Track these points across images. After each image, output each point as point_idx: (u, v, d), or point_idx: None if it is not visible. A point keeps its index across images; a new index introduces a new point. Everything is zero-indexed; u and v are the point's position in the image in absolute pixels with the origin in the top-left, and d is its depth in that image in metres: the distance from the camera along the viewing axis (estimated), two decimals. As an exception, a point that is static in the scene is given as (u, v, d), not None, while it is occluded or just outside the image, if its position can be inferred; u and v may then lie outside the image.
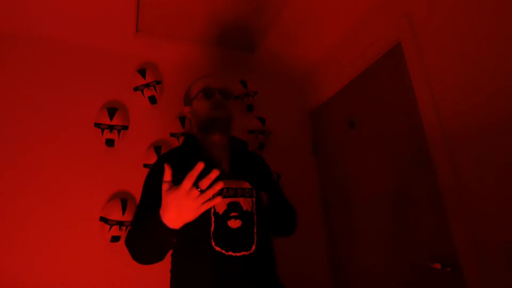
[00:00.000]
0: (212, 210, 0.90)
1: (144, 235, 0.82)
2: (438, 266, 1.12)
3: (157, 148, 1.60)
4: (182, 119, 1.70)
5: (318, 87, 2.03)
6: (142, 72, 1.70)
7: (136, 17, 1.57)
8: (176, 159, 0.98)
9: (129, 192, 1.55)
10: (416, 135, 1.29)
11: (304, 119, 2.14)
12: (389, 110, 1.45)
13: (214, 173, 0.68)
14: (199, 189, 0.68)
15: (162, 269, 1.51)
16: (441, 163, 1.15)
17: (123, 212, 1.42)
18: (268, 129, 1.92)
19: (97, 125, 1.55)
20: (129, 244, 0.88)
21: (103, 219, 1.42)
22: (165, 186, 0.72)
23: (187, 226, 0.79)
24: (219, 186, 0.69)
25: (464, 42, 1.10)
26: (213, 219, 0.89)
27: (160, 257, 0.88)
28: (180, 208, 0.70)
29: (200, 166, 0.67)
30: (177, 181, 0.79)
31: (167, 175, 0.72)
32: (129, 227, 0.95)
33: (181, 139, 1.68)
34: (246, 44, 1.88)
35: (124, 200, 1.46)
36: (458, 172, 1.10)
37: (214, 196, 0.70)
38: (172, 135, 1.70)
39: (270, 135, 1.92)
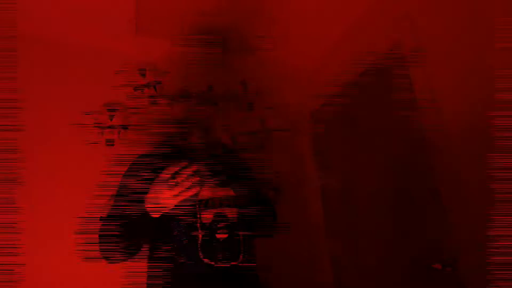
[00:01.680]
0: (199, 222, 0.91)
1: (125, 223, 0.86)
2: (438, 266, 1.12)
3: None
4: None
5: (318, 87, 2.03)
6: (142, 72, 1.70)
7: (136, 17, 1.57)
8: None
9: (129, 192, 1.55)
10: (416, 135, 1.29)
11: (304, 119, 2.14)
12: (389, 110, 1.44)
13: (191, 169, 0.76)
14: (175, 181, 0.76)
15: (162, 269, 1.51)
16: (441, 163, 1.15)
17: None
18: (268, 129, 1.91)
19: (97, 125, 1.55)
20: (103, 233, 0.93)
21: (103, 219, 1.42)
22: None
23: (175, 236, 0.89)
24: (195, 183, 0.77)
25: (464, 42, 1.10)
26: (199, 230, 0.90)
27: (130, 252, 0.93)
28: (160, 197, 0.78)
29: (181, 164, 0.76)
30: None
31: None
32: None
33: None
34: (246, 44, 1.88)
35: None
36: (458, 172, 1.09)
37: (189, 187, 0.77)
38: (172, 135, 1.70)
39: (270, 135, 1.91)
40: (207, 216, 0.91)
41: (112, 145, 1.57)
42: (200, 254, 0.88)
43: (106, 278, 1.41)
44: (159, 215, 0.82)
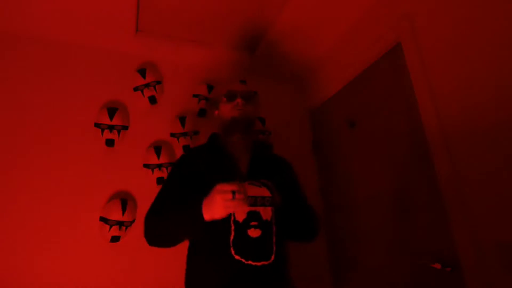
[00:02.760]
0: (232, 218, 0.92)
1: (173, 215, 0.91)
2: (438, 266, 1.12)
3: (157, 148, 1.60)
4: (182, 119, 1.70)
5: (318, 87, 2.03)
6: (142, 72, 1.70)
7: (136, 17, 1.57)
8: (200, 155, 1.11)
9: (129, 192, 1.55)
10: (416, 135, 1.29)
11: (304, 119, 2.14)
12: (389, 110, 1.45)
13: (242, 186, 0.81)
14: (233, 195, 0.80)
15: (162, 269, 1.51)
16: (441, 163, 1.15)
17: (123, 212, 1.42)
18: (268, 129, 1.92)
19: (97, 125, 1.56)
20: (151, 221, 0.97)
21: (103, 219, 1.42)
22: (227, 197, 0.82)
23: (209, 232, 0.91)
24: (246, 207, 0.84)
25: (464, 42, 1.10)
26: (233, 227, 0.91)
27: (174, 243, 0.98)
28: (213, 198, 0.82)
29: (241, 187, 0.81)
30: (198, 175, 1.01)
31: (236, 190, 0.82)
32: (150, 209, 1.02)
33: (181, 139, 1.68)
34: (246, 44, 1.88)
35: (124, 200, 1.47)
36: (458, 172, 1.09)
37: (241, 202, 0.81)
38: (172, 135, 1.70)
39: (270, 135, 1.92)
40: (240, 213, 0.92)
41: (112, 145, 1.57)
42: (232, 250, 0.88)
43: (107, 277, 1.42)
44: (208, 219, 0.85)
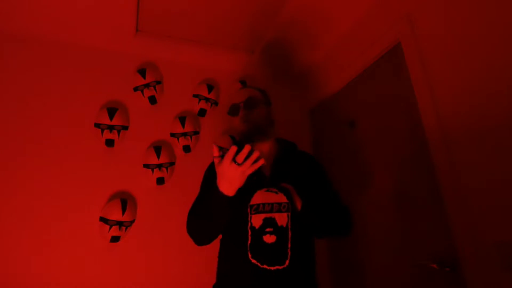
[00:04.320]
0: (249, 224, 0.96)
1: (204, 206, 0.94)
2: (437, 266, 1.12)
3: (157, 148, 1.60)
4: (182, 119, 1.70)
5: (318, 87, 2.03)
6: (142, 72, 1.70)
7: (136, 17, 1.57)
8: None
9: (129, 192, 1.55)
10: (416, 135, 1.29)
11: (304, 119, 2.14)
12: (389, 110, 1.45)
13: (246, 148, 0.80)
14: (237, 163, 0.81)
15: (162, 269, 1.51)
16: (441, 163, 1.15)
17: (123, 212, 1.42)
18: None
19: (97, 125, 1.56)
20: (191, 220, 0.99)
21: (103, 219, 1.42)
22: (215, 161, 0.85)
23: (230, 233, 0.99)
24: (256, 155, 0.82)
25: (464, 42, 1.10)
26: (249, 233, 0.95)
27: (216, 231, 0.99)
28: (228, 177, 0.83)
29: (246, 148, 0.80)
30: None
31: (215, 151, 0.84)
32: (189, 211, 1.04)
33: (181, 139, 1.68)
34: (246, 44, 1.88)
35: (124, 200, 1.47)
36: (458, 172, 1.09)
37: (255, 161, 0.82)
38: (172, 135, 1.70)
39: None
40: (257, 220, 0.96)
41: (112, 145, 1.57)
42: (249, 254, 0.93)
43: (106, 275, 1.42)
44: (233, 193, 0.87)
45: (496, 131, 0.98)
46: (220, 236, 1.06)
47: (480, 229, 1.01)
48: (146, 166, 1.59)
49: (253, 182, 0.98)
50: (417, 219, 1.27)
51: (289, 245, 0.95)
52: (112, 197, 1.51)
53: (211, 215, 0.93)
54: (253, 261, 0.92)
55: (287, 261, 0.92)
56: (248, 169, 0.82)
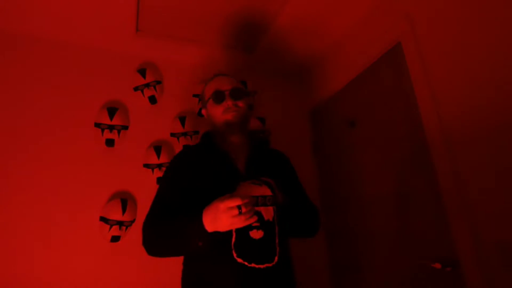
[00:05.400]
0: None
1: (175, 230, 0.85)
2: (438, 266, 1.12)
3: (157, 148, 1.60)
4: (182, 119, 1.70)
5: (318, 87, 2.03)
6: (142, 72, 1.70)
7: (136, 17, 1.57)
8: (194, 157, 1.05)
9: (129, 192, 1.55)
10: (416, 135, 1.29)
11: (304, 119, 2.14)
12: (389, 110, 1.45)
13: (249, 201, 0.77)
14: (239, 211, 0.76)
15: (162, 269, 1.51)
16: (441, 163, 1.15)
17: (123, 212, 1.42)
18: (268, 129, 1.92)
19: (97, 125, 1.56)
20: (151, 236, 0.91)
21: (103, 219, 1.42)
22: (226, 197, 0.78)
23: (209, 235, 0.84)
24: (254, 219, 0.78)
25: (464, 42, 1.10)
26: (234, 230, 0.87)
27: (176, 253, 0.94)
28: (217, 217, 0.77)
29: (245, 200, 0.76)
30: (194, 178, 0.96)
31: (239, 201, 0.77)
32: (149, 217, 0.96)
33: (181, 139, 1.68)
34: (246, 43, 1.88)
35: (124, 200, 1.46)
36: (458, 172, 1.09)
37: (248, 217, 0.78)
38: (172, 135, 1.70)
39: (270, 135, 1.92)
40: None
41: (112, 145, 1.57)
42: (234, 253, 0.85)
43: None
44: (211, 231, 0.80)
45: (497, 130, 0.98)
46: None
47: (481, 228, 1.01)
48: (146, 166, 1.59)
49: (228, 175, 0.95)
50: (418, 219, 1.27)
51: (277, 241, 0.89)
52: (112, 197, 1.51)
53: (177, 241, 0.86)
54: (239, 260, 0.84)
55: (276, 258, 0.87)
56: (243, 222, 0.77)
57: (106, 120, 1.56)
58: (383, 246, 1.44)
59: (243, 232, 0.86)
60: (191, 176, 0.98)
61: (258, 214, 0.88)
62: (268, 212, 0.91)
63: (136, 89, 1.71)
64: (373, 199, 1.52)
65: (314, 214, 1.07)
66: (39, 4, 1.43)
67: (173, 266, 1.51)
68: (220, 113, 1.05)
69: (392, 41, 1.42)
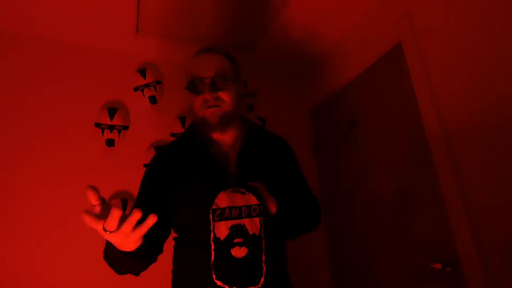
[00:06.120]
0: (212, 236, 0.75)
1: (112, 254, 0.73)
2: (438, 266, 1.12)
3: (157, 148, 1.60)
4: (182, 119, 1.70)
5: (318, 87, 2.03)
6: (142, 72, 1.70)
7: (136, 17, 1.57)
8: (176, 156, 0.89)
9: (129, 192, 1.55)
10: (416, 135, 1.29)
11: (305, 119, 2.14)
12: (390, 110, 1.45)
13: (116, 212, 0.57)
14: (106, 232, 0.60)
15: (162, 269, 1.51)
16: (442, 163, 1.15)
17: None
18: (268, 129, 1.91)
19: (97, 125, 1.56)
20: (105, 258, 0.80)
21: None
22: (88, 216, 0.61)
23: (187, 245, 0.78)
24: (136, 216, 0.59)
25: (465, 42, 1.10)
26: (213, 247, 0.74)
27: (136, 271, 0.85)
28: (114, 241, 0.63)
29: (114, 212, 0.57)
30: (181, 181, 0.83)
31: (93, 198, 0.62)
32: None
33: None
34: (246, 43, 1.88)
35: (124, 200, 1.46)
36: (459, 172, 1.09)
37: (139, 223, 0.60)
38: (172, 135, 1.70)
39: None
40: (222, 229, 0.75)
41: (112, 145, 1.57)
42: (214, 275, 0.72)
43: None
44: (131, 249, 0.66)
45: (497, 130, 0.98)
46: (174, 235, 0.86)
47: (481, 228, 1.01)
48: (146, 166, 1.59)
49: (215, 180, 0.80)
50: (418, 219, 1.27)
51: (263, 259, 0.75)
52: (112, 197, 1.51)
53: (120, 265, 0.78)
54: (219, 283, 0.71)
55: (262, 279, 0.73)
56: (131, 234, 0.59)
57: (107, 120, 1.56)
58: (384, 246, 1.44)
59: (223, 249, 0.73)
60: (170, 184, 0.84)
61: (242, 227, 0.76)
62: (253, 225, 0.77)
63: (136, 89, 1.71)
64: (373, 199, 1.52)
65: (313, 210, 0.94)
66: (39, 4, 1.43)
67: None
68: (198, 106, 0.86)
69: (392, 41, 1.42)
